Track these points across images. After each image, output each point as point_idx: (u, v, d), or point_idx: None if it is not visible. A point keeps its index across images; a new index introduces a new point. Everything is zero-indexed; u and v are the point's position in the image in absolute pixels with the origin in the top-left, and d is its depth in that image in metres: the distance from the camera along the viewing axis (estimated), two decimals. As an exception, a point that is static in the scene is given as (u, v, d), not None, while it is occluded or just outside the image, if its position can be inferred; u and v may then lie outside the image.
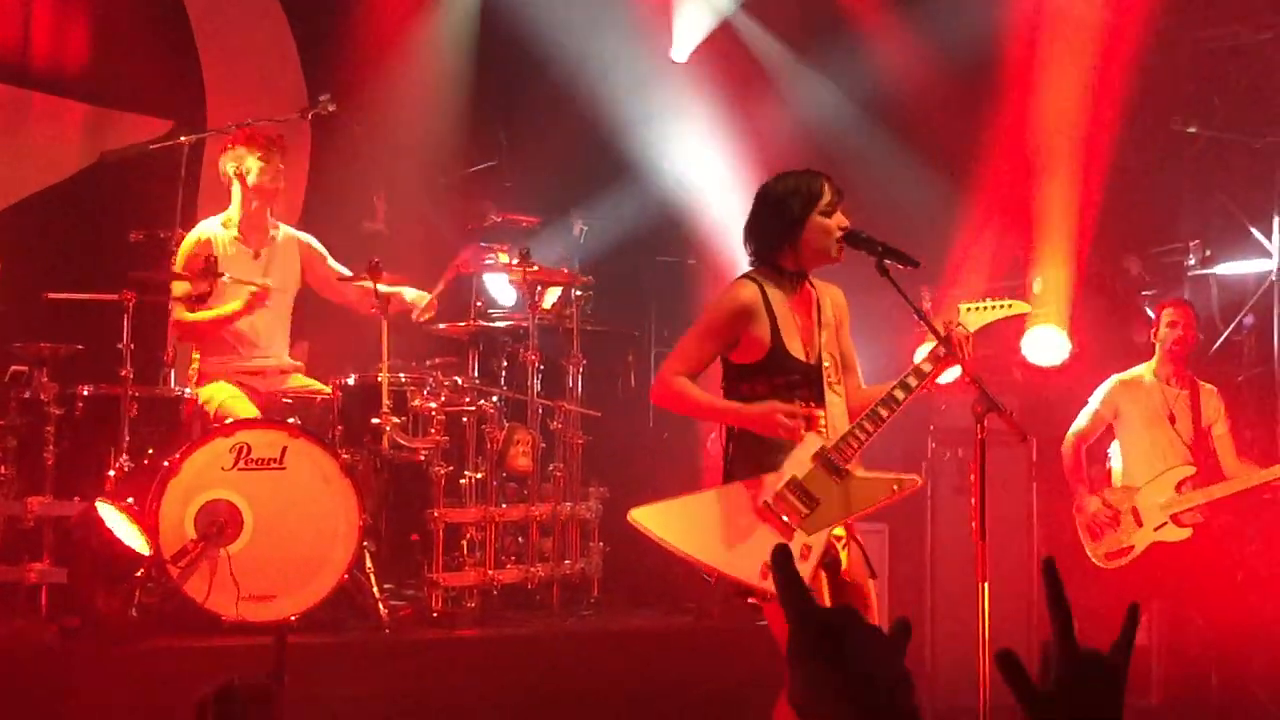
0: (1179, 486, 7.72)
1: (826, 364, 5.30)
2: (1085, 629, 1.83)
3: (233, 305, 7.49)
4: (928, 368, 5.24)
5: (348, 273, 7.80)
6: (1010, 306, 5.58)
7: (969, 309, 5.50)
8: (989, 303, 5.53)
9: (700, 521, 5.11)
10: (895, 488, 5.24)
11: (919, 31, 10.34)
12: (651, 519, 5.14)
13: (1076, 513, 7.96)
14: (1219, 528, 7.98)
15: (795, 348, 5.23)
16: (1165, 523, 7.69)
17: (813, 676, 1.82)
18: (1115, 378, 8.10)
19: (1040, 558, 8.33)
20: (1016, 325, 9.00)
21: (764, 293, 5.26)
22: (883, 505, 5.28)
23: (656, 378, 5.36)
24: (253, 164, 7.65)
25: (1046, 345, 9.08)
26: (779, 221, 5.28)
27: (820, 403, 5.24)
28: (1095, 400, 8.08)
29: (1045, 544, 8.58)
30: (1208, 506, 7.77)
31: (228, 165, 7.69)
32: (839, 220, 5.26)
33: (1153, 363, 8.04)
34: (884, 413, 5.18)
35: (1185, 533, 7.68)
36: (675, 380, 5.26)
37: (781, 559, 1.93)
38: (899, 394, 5.20)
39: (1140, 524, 7.74)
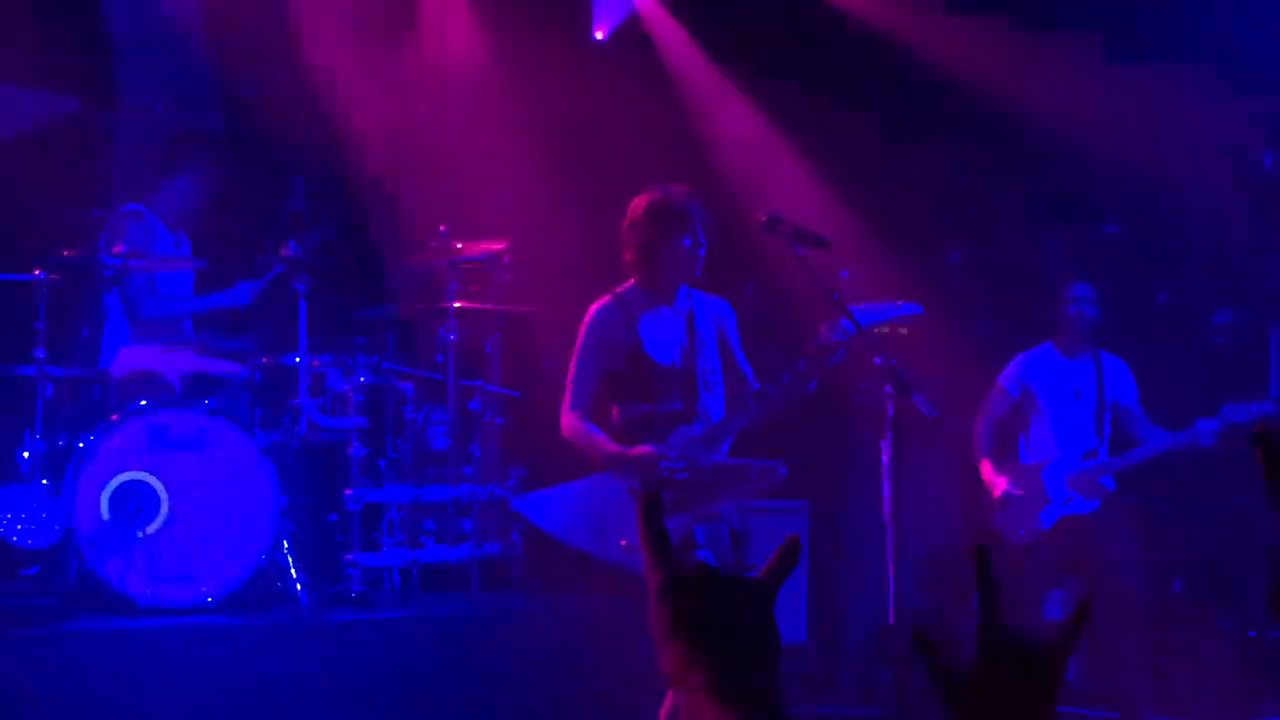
0: (1084, 460, 7.80)
1: (703, 368, 5.41)
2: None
3: None
4: (802, 367, 5.23)
5: None
6: (897, 306, 5.55)
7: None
8: (876, 306, 5.50)
9: (574, 507, 5.32)
10: (755, 476, 5.33)
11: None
12: (530, 508, 5.29)
13: (991, 493, 8.00)
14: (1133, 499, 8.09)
15: (660, 353, 5.37)
16: (1073, 496, 7.77)
17: (676, 626, 1.80)
18: (1021, 356, 8.15)
19: (963, 538, 8.47)
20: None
21: (623, 306, 5.39)
22: (745, 494, 5.39)
23: (561, 414, 5.48)
24: None
25: None
26: (644, 235, 5.39)
27: (694, 404, 5.36)
28: (1003, 380, 8.13)
29: (968, 524, 8.62)
30: (1119, 477, 7.87)
31: None
32: (698, 242, 5.38)
33: (1058, 339, 8.10)
34: (753, 406, 5.29)
35: (1093, 505, 7.76)
36: (570, 418, 5.42)
37: (649, 511, 1.94)
38: (770, 390, 5.28)
39: (1049, 499, 7.81)
